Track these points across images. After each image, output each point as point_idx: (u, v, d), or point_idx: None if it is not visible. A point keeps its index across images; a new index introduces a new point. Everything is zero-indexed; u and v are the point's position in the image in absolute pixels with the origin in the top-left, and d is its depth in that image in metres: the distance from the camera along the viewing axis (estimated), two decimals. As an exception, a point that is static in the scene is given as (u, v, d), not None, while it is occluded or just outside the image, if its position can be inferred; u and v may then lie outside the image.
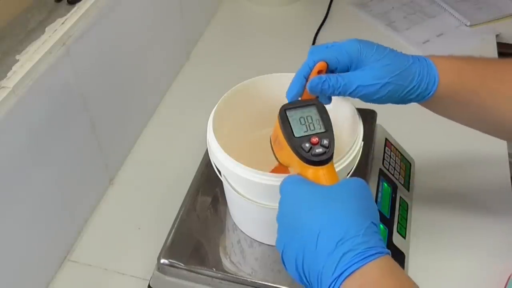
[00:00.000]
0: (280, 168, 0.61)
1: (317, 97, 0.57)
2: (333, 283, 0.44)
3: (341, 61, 0.56)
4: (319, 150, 0.50)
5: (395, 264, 0.46)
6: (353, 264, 0.43)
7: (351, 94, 0.56)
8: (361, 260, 0.43)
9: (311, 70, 0.56)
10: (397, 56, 0.57)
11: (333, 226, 0.45)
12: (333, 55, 0.56)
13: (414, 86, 0.57)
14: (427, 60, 0.58)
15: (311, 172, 0.50)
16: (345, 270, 0.43)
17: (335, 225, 0.45)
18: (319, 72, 0.56)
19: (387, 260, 0.45)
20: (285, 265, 0.49)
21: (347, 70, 0.57)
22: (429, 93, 0.58)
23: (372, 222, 0.46)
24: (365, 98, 0.57)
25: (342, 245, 0.44)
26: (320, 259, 0.45)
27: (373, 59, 0.56)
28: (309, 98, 0.57)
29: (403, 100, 0.58)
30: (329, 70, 0.56)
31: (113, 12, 0.75)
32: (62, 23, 0.67)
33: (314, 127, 0.52)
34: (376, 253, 0.44)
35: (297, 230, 0.47)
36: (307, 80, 0.56)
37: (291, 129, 0.52)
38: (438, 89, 0.57)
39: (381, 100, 0.57)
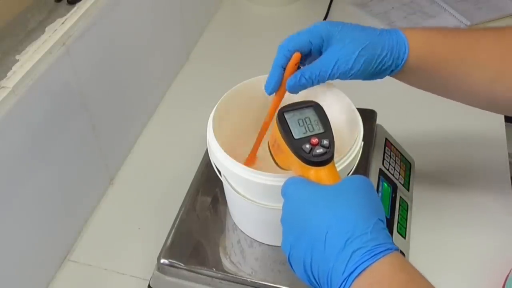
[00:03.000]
0: (252, 159, 0.64)
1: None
2: (344, 282, 0.43)
3: (314, 43, 0.58)
4: (319, 150, 0.50)
5: (405, 260, 0.46)
6: (364, 261, 0.43)
7: (329, 78, 0.58)
8: (372, 257, 0.43)
9: (287, 60, 0.58)
10: (364, 29, 0.58)
11: (340, 225, 0.45)
12: (306, 39, 0.58)
13: (385, 55, 0.57)
14: (396, 31, 0.59)
15: (313, 173, 0.50)
16: (356, 268, 0.43)
17: (343, 223, 0.45)
18: (295, 64, 0.58)
19: (397, 256, 0.45)
20: (292, 267, 0.49)
21: (321, 52, 0.58)
22: (401, 62, 0.58)
23: (379, 218, 0.46)
24: (343, 76, 0.58)
25: (351, 243, 0.44)
26: (330, 258, 0.45)
27: (341, 35, 0.57)
28: (283, 91, 0.59)
29: (378, 72, 0.59)
30: (305, 53, 0.58)
31: (113, 12, 0.75)
32: (62, 23, 0.67)
33: (313, 128, 0.52)
34: (385, 250, 0.44)
35: (304, 231, 0.47)
36: (284, 70, 0.58)
37: (290, 131, 0.52)
38: (410, 59, 0.58)
39: (357, 75, 0.58)
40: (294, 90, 0.58)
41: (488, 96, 0.60)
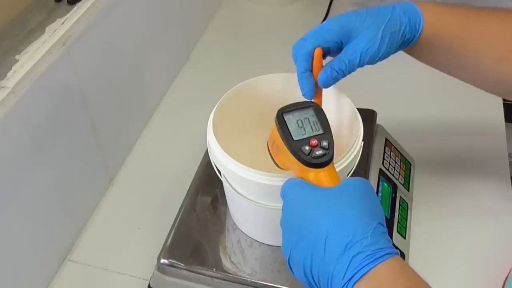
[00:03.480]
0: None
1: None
2: (345, 286, 0.43)
3: (329, 40, 0.57)
4: (319, 152, 0.50)
5: (406, 264, 0.45)
6: (364, 266, 0.43)
7: (360, 65, 0.57)
8: (372, 262, 0.43)
9: (310, 63, 0.57)
10: (377, 11, 0.58)
11: (340, 229, 0.45)
12: (320, 39, 0.57)
13: (405, 28, 0.58)
14: (410, 4, 0.59)
15: (312, 175, 0.50)
16: (356, 273, 0.43)
17: (343, 228, 0.45)
18: (320, 60, 0.57)
19: (397, 260, 0.44)
20: (292, 271, 0.49)
21: (339, 48, 0.58)
22: (417, 33, 0.59)
23: (379, 222, 0.46)
24: (372, 60, 0.58)
25: (351, 247, 0.44)
26: (329, 263, 0.44)
27: (358, 24, 0.57)
28: (320, 89, 0.58)
29: (402, 45, 0.59)
30: (324, 54, 0.58)
31: (113, 12, 0.75)
32: (62, 23, 0.67)
33: (312, 129, 0.52)
34: (385, 254, 0.44)
35: (304, 234, 0.47)
36: (310, 71, 0.57)
37: (289, 132, 0.51)
38: (423, 32, 0.59)
39: (385, 55, 0.58)
40: (327, 84, 0.57)
41: (495, 76, 0.60)
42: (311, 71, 0.57)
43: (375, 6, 0.59)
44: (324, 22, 0.59)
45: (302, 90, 0.58)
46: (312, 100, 0.57)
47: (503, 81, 0.61)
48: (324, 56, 0.58)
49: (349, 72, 0.57)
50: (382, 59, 0.58)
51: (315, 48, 0.57)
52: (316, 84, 0.58)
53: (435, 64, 0.64)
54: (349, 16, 0.58)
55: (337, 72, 0.56)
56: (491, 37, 0.60)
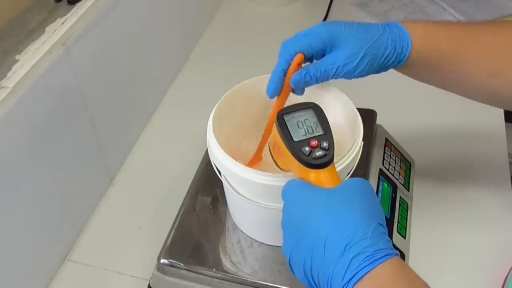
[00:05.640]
0: (256, 159, 0.64)
1: (293, 90, 0.59)
2: (344, 287, 0.43)
3: (315, 46, 0.58)
4: (319, 153, 0.50)
5: (405, 265, 0.45)
6: (363, 267, 0.43)
7: (334, 77, 0.58)
8: (371, 263, 0.43)
9: (289, 64, 0.57)
10: (367, 28, 0.59)
11: (340, 230, 0.45)
12: (306, 43, 0.58)
13: (389, 53, 0.58)
14: (398, 26, 0.59)
15: (313, 175, 0.50)
16: (355, 274, 0.43)
17: (342, 229, 0.45)
18: (299, 64, 0.57)
19: (397, 261, 0.44)
20: (293, 271, 0.49)
21: (323, 55, 0.58)
22: (404, 57, 0.59)
23: (378, 223, 0.46)
24: (347, 75, 0.58)
25: (350, 248, 0.44)
26: (329, 264, 0.44)
27: (344, 36, 0.57)
28: (287, 93, 0.59)
29: (382, 68, 0.60)
30: (306, 58, 0.58)
31: (113, 12, 0.75)
32: (62, 23, 0.67)
33: (313, 130, 0.52)
34: (385, 255, 0.44)
35: (304, 235, 0.47)
36: (285, 74, 0.58)
37: (290, 133, 0.52)
38: (412, 54, 0.59)
39: (362, 74, 0.59)
40: (299, 85, 0.58)
41: (488, 90, 0.61)
42: (286, 71, 0.58)
43: (367, 23, 0.59)
44: (316, 25, 0.59)
45: (268, 87, 0.59)
46: (312, 102, 0.57)
47: (497, 95, 0.61)
48: (306, 61, 0.58)
49: (322, 80, 0.58)
50: (358, 77, 0.59)
51: (297, 53, 0.57)
52: (285, 87, 0.58)
53: (427, 81, 0.64)
54: (339, 26, 0.58)
55: (310, 77, 0.57)
56: (483, 53, 0.60)
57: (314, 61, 0.59)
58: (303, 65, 0.58)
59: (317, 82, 0.58)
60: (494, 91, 0.60)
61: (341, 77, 0.58)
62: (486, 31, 0.61)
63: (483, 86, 0.60)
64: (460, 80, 0.61)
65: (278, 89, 0.58)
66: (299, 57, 0.57)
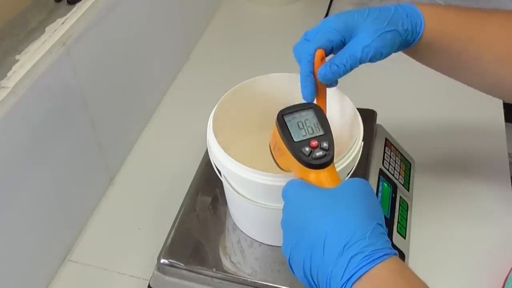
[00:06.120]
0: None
1: (327, 85, 0.58)
2: (343, 287, 0.43)
3: (333, 39, 0.57)
4: (319, 153, 0.50)
5: (404, 265, 0.46)
6: (362, 267, 0.43)
7: (361, 60, 0.56)
8: (369, 262, 0.43)
9: (311, 65, 0.56)
10: (379, 10, 0.58)
11: (339, 230, 0.45)
12: (324, 39, 0.56)
13: (407, 28, 0.58)
14: (410, 5, 0.59)
15: (313, 176, 0.50)
16: (354, 274, 0.43)
17: (341, 229, 0.45)
18: (322, 60, 0.56)
19: (395, 261, 0.44)
20: (293, 271, 0.49)
21: (342, 46, 0.57)
22: (418, 34, 0.58)
23: (377, 223, 0.46)
24: (374, 57, 0.57)
25: (349, 248, 0.44)
26: (328, 263, 0.45)
27: (360, 21, 0.57)
28: (323, 91, 0.57)
29: (403, 43, 0.59)
30: (326, 53, 0.57)
31: (113, 12, 0.75)
32: (62, 23, 0.67)
33: (313, 131, 0.52)
34: (384, 255, 0.44)
35: (303, 235, 0.47)
36: (313, 75, 0.56)
37: (290, 134, 0.52)
38: (424, 34, 0.58)
39: (388, 52, 0.58)
40: (326, 78, 0.56)
41: (494, 77, 0.61)
42: (314, 73, 0.57)
43: (377, 7, 0.59)
44: (324, 20, 0.58)
45: (303, 93, 0.57)
46: (312, 102, 0.57)
47: (502, 83, 0.61)
48: (327, 55, 0.57)
49: (351, 67, 0.56)
50: (384, 56, 0.58)
51: (316, 50, 0.56)
52: (319, 86, 0.57)
53: (435, 66, 0.64)
54: (351, 14, 0.58)
55: (337, 66, 0.55)
56: (492, 39, 0.60)
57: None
58: (326, 59, 0.57)
59: (345, 69, 0.56)
60: (500, 80, 0.60)
61: (368, 60, 0.57)
62: (495, 17, 0.61)
63: (489, 72, 0.60)
64: (468, 66, 0.61)
65: (313, 91, 0.57)
66: (319, 52, 0.56)
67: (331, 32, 0.57)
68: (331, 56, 0.58)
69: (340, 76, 0.57)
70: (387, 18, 0.57)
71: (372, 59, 0.57)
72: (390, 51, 0.58)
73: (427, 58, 0.63)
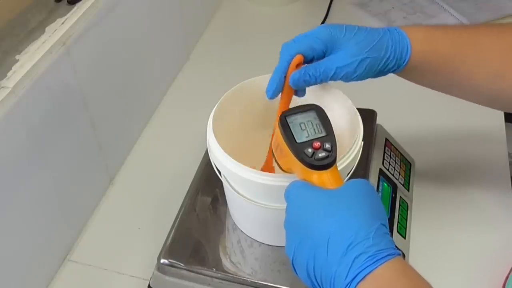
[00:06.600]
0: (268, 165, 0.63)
1: (295, 92, 0.59)
2: (347, 287, 0.44)
3: (316, 48, 0.57)
4: (322, 154, 0.50)
5: (408, 265, 0.46)
6: (366, 267, 0.43)
7: (332, 78, 0.57)
8: (373, 263, 0.43)
9: (288, 65, 0.57)
10: (367, 31, 0.58)
11: (342, 230, 0.45)
12: (307, 45, 0.57)
13: (389, 57, 0.58)
14: (398, 30, 0.59)
15: (316, 177, 0.50)
16: (357, 274, 0.43)
17: (345, 229, 0.45)
18: (297, 65, 0.57)
19: (399, 261, 0.45)
20: (296, 271, 0.49)
21: (323, 57, 0.58)
22: (403, 62, 0.59)
23: (381, 223, 0.46)
24: (346, 78, 0.58)
25: (352, 248, 0.44)
26: (332, 264, 0.45)
27: (345, 39, 0.57)
28: (289, 94, 0.58)
29: (381, 72, 0.59)
30: (306, 61, 0.58)
31: (113, 12, 0.75)
32: (62, 23, 0.67)
33: (315, 132, 0.52)
34: (387, 255, 0.44)
35: (307, 236, 0.47)
36: (285, 75, 0.57)
37: (293, 135, 0.52)
38: (412, 58, 0.58)
39: (361, 77, 0.58)
40: (298, 84, 0.57)
41: (490, 92, 0.61)
42: (286, 75, 0.58)
43: (367, 27, 0.59)
44: (318, 27, 0.59)
45: (267, 87, 0.58)
46: (314, 104, 0.57)
47: (498, 97, 0.61)
48: (306, 63, 0.58)
49: (321, 81, 0.57)
50: (357, 80, 0.58)
51: (297, 54, 0.57)
52: (285, 89, 0.58)
53: (428, 85, 0.64)
54: (341, 28, 0.58)
55: (309, 76, 0.56)
56: (485, 55, 0.60)
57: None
58: (302, 66, 0.58)
59: (315, 82, 0.57)
60: (496, 94, 0.60)
61: (339, 79, 0.58)
62: (487, 33, 0.61)
63: (485, 89, 0.60)
64: (462, 84, 0.61)
65: (277, 89, 0.58)
66: (297, 58, 0.57)
67: (315, 41, 0.57)
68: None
69: (309, 86, 0.59)
70: (372, 43, 0.57)
71: (343, 79, 0.58)
72: (366, 76, 0.58)
73: (418, 79, 0.63)
